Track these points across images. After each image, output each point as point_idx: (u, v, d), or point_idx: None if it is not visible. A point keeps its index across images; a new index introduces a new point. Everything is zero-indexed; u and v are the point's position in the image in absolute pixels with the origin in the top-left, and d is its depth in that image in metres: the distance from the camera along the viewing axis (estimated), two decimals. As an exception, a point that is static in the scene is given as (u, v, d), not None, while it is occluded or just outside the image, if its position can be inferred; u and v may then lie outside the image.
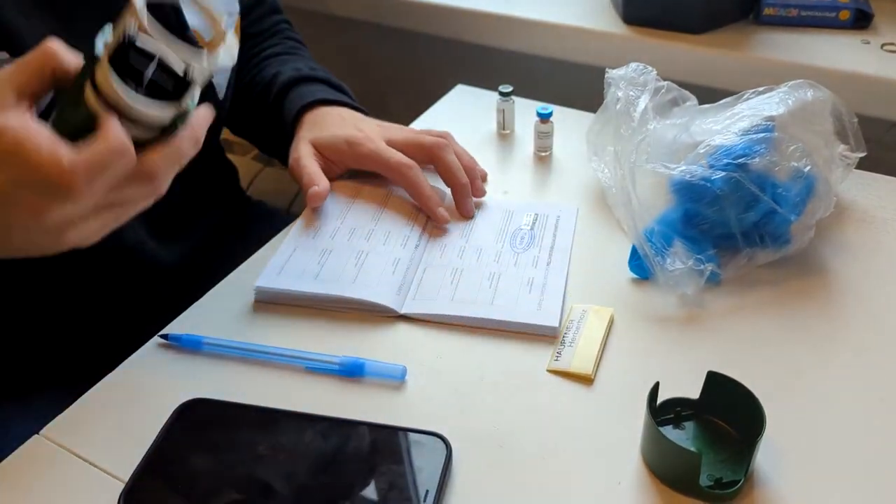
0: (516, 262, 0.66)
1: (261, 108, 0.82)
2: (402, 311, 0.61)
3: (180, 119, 0.47)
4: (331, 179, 0.72)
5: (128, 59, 0.44)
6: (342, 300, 0.62)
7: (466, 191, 0.71)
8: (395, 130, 0.75)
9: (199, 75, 0.46)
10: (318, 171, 0.71)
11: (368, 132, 0.73)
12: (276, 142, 0.80)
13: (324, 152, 0.74)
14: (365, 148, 0.71)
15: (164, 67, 0.45)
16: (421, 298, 0.62)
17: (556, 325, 0.59)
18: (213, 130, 0.81)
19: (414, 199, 0.71)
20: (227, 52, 0.47)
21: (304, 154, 0.72)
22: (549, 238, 0.68)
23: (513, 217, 0.71)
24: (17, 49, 0.57)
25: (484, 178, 0.77)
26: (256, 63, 0.85)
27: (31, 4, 0.59)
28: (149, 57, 0.44)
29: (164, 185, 0.49)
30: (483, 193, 0.73)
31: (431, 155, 0.72)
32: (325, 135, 0.74)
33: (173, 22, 0.45)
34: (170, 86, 0.45)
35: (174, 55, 0.45)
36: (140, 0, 0.43)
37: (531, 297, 0.62)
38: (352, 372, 0.56)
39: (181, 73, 0.45)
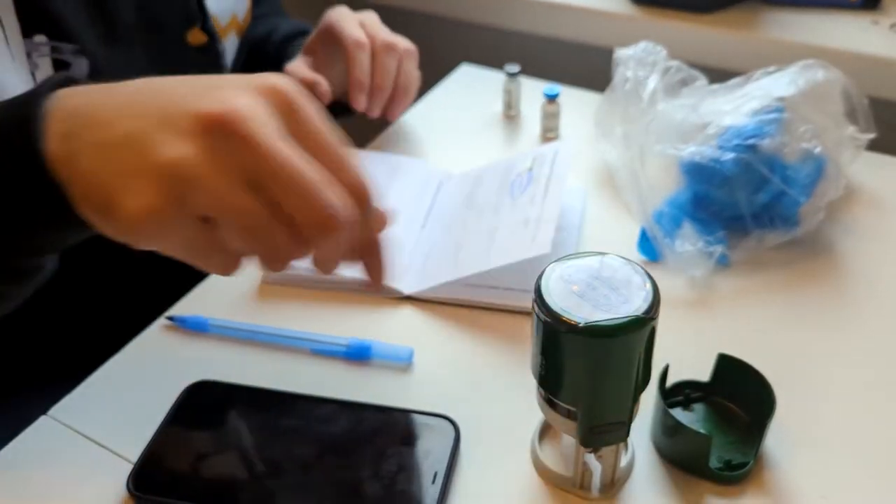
0: (514, 207, 0.64)
1: (255, 65, 0.81)
2: (408, 291, 0.61)
3: None
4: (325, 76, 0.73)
5: None
6: (348, 280, 0.61)
7: (379, 95, 0.70)
8: (371, 17, 0.75)
9: None
10: (309, 71, 0.72)
11: (347, 12, 0.74)
12: None
13: (306, 52, 0.75)
14: (331, 17, 0.72)
15: None
16: (426, 276, 0.62)
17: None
18: None
19: (348, 76, 0.71)
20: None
21: (294, 62, 0.74)
22: (546, 171, 0.66)
23: (512, 168, 0.70)
24: (55, 32, 0.58)
25: (403, 100, 0.75)
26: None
27: None
28: None
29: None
30: (392, 118, 0.72)
31: (374, 51, 0.71)
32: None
33: None
34: None
35: None
36: None
37: (526, 234, 0.60)
38: (359, 354, 0.56)
39: None
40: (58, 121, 0.38)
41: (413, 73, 0.74)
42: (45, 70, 0.59)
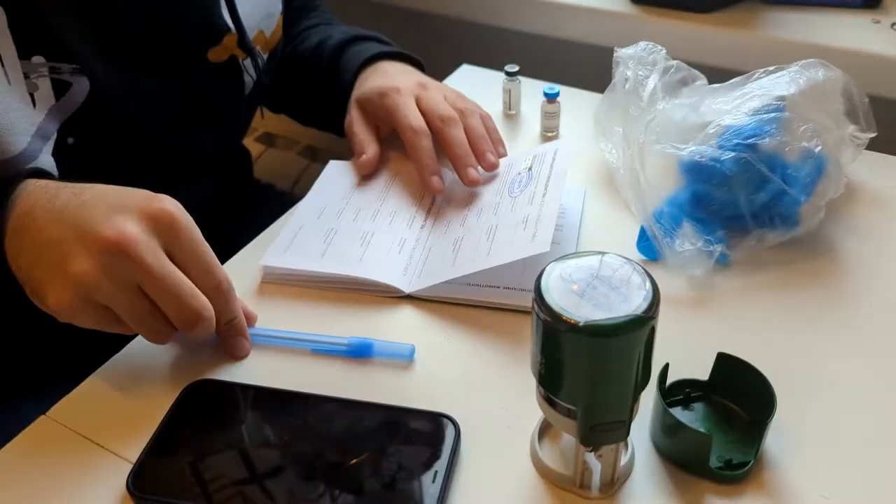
0: (513, 206, 0.64)
1: (309, 76, 0.82)
2: (408, 290, 0.61)
3: None
4: (382, 138, 0.74)
5: None
6: (348, 279, 0.61)
7: (462, 162, 0.70)
8: (432, 91, 0.74)
9: None
10: (367, 136, 0.73)
11: (402, 84, 0.73)
12: (327, 109, 0.81)
13: (363, 106, 0.75)
14: (389, 100, 0.72)
15: None
16: (426, 275, 0.62)
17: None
18: (240, 124, 0.82)
19: (413, 163, 0.71)
20: None
21: (354, 118, 0.75)
22: (546, 171, 0.67)
23: (512, 167, 0.70)
24: (53, 53, 0.58)
25: (497, 150, 0.74)
26: (295, 36, 0.84)
27: (75, 8, 0.59)
28: None
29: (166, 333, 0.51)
30: (491, 165, 0.71)
31: (434, 127, 0.71)
32: (365, 89, 0.75)
33: None
34: None
35: None
36: None
37: (525, 233, 0.60)
38: (360, 352, 0.56)
39: None
40: (14, 217, 0.51)
41: (479, 126, 0.73)
42: (45, 90, 0.59)
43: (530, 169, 0.68)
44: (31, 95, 0.58)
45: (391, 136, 0.75)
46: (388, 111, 0.72)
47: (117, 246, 0.47)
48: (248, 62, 0.74)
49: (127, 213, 0.48)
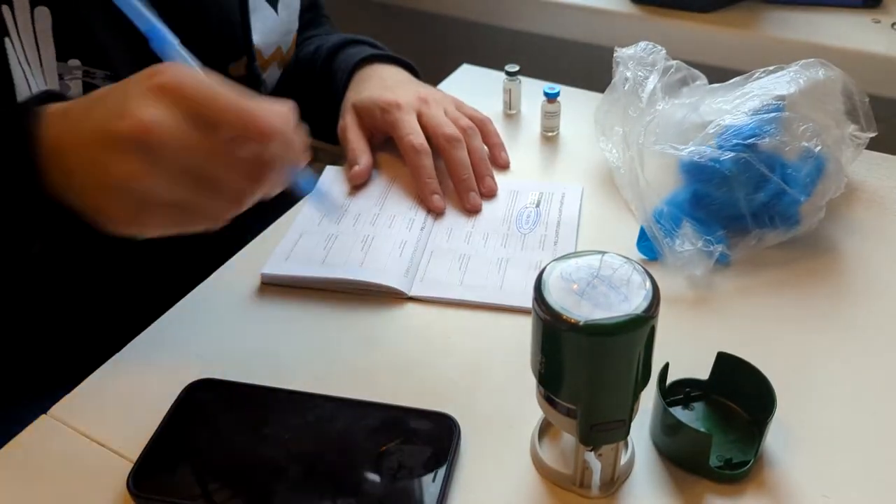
0: (523, 244, 0.65)
1: (305, 81, 0.83)
2: (412, 293, 0.61)
3: None
4: (376, 145, 0.74)
5: None
6: (350, 283, 0.61)
7: (465, 186, 0.70)
8: (433, 106, 0.74)
9: None
10: (360, 145, 0.73)
11: (403, 99, 0.73)
12: (322, 113, 0.81)
13: (360, 113, 0.75)
14: (391, 116, 0.72)
15: None
16: (429, 282, 0.62)
17: None
18: None
19: (414, 181, 0.71)
20: None
21: (348, 124, 0.74)
22: (554, 214, 0.68)
23: (517, 197, 0.71)
24: (90, 58, 0.59)
25: (505, 165, 0.76)
26: (297, 43, 0.85)
27: (118, 21, 0.59)
28: None
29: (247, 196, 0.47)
30: (490, 191, 0.71)
31: (439, 147, 0.71)
32: (363, 97, 0.75)
33: None
34: None
35: None
36: None
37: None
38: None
39: None
40: (45, 155, 0.46)
41: (480, 148, 0.73)
42: (76, 93, 0.60)
43: (538, 206, 0.69)
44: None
45: (388, 140, 0.75)
46: (388, 126, 0.72)
47: (140, 137, 0.42)
48: (264, 77, 0.75)
49: (134, 100, 0.44)
